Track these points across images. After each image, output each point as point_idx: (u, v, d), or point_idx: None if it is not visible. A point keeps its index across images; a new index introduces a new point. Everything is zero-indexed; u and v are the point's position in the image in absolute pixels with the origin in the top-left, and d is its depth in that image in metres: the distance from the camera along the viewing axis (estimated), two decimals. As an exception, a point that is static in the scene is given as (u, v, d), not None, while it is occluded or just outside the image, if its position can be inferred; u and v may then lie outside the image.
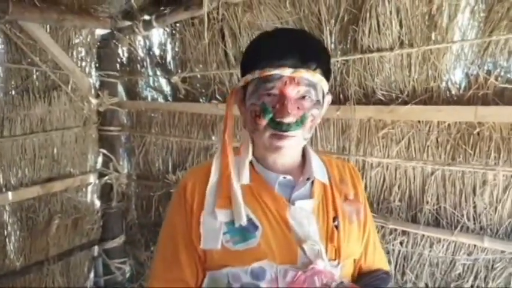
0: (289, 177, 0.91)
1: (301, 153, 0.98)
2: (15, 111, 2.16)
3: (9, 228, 2.24)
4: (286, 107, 0.81)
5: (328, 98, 0.93)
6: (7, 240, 2.23)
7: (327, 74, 0.88)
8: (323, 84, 0.88)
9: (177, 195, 0.93)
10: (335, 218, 0.91)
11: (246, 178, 0.89)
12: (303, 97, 0.84)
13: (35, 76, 2.22)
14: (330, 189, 0.95)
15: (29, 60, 2.13)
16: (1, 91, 2.12)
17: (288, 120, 0.81)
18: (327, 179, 0.96)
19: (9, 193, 2.17)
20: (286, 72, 0.81)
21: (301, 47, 0.84)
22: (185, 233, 0.88)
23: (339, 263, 0.88)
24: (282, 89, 0.82)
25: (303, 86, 0.82)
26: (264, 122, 0.84)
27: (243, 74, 0.90)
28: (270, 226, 0.86)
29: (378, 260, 1.03)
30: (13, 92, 2.15)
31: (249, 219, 0.85)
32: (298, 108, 0.83)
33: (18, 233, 2.27)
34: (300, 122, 0.83)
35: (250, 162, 0.93)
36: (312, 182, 0.94)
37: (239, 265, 0.83)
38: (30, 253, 2.33)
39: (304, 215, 0.88)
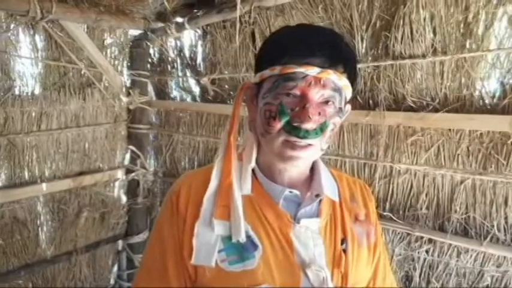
0: (296, 191, 0.81)
1: (310, 165, 0.88)
2: (53, 106, 2.24)
3: (42, 218, 2.31)
4: (307, 110, 0.71)
5: (348, 108, 0.84)
6: (40, 229, 2.31)
7: (352, 80, 0.79)
8: (347, 92, 0.79)
9: (168, 202, 0.82)
10: (343, 241, 0.81)
11: (247, 188, 0.80)
12: (326, 102, 0.74)
13: (71, 73, 2.30)
14: (340, 208, 0.85)
15: (67, 57, 2.21)
16: (40, 87, 2.20)
17: (307, 126, 0.72)
18: (337, 196, 0.86)
19: (44, 184, 2.24)
20: (312, 71, 0.71)
21: (331, 46, 0.75)
22: (176, 247, 0.78)
23: None
24: (304, 90, 0.72)
25: (328, 89, 0.73)
26: (278, 125, 0.73)
27: (259, 70, 0.80)
28: (271, 246, 0.76)
29: None
30: (51, 88, 2.23)
31: (248, 237, 0.76)
32: (319, 114, 0.73)
33: (50, 223, 2.35)
34: (320, 130, 0.74)
35: (253, 170, 0.83)
36: (320, 199, 0.84)
37: None
38: (60, 243, 2.40)
39: (309, 236, 0.79)
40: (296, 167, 0.82)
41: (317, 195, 0.82)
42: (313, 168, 0.88)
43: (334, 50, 0.74)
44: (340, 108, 0.77)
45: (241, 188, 0.79)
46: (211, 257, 0.74)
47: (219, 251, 0.75)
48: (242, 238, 0.74)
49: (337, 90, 0.75)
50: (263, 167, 0.84)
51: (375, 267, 0.89)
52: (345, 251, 0.80)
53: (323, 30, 0.83)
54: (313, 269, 0.75)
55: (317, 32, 0.79)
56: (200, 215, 0.77)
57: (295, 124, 0.72)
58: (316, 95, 0.73)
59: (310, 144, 0.74)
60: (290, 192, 0.80)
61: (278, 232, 0.77)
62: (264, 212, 0.79)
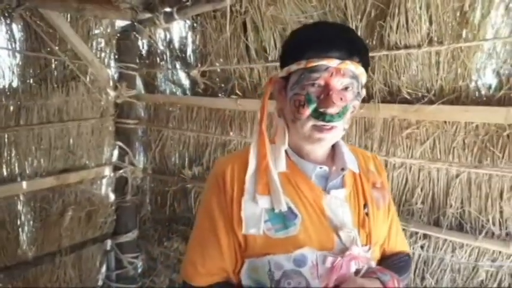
0: (324, 167, 0.96)
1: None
2: (33, 100, 2.14)
3: (22, 218, 2.22)
4: (331, 97, 0.84)
5: (364, 92, 0.96)
6: (20, 230, 2.21)
7: (366, 67, 0.92)
8: (363, 78, 0.91)
9: (214, 183, 0.94)
10: (365, 205, 0.96)
11: (282, 166, 0.92)
12: (346, 88, 0.87)
13: (53, 65, 2.21)
14: (359, 178, 0.99)
15: (48, 49, 2.12)
16: (18, 79, 2.10)
17: (331, 110, 0.84)
18: (357, 168, 1.00)
19: (24, 183, 2.15)
20: (333, 63, 0.84)
21: (347, 40, 0.88)
22: (225, 219, 0.91)
23: (369, 248, 0.94)
24: (327, 79, 0.85)
25: (347, 77, 0.85)
26: (307, 112, 0.86)
27: (284, 65, 0.93)
28: (308, 214, 0.90)
29: (400, 243, 1.09)
30: (31, 81, 2.13)
31: (289, 208, 0.89)
32: (341, 99, 0.85)
33: (31, 223, 2.26)
34: (342, 113, 0.86)
35: (285, 151, 0.96)
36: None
37: (281, 252, 0.87)
38: (43, 244, 2.31)
39: (338, 204, 0.93)
40: (322, 148, 0.96)
41: (342, 169, 0.95)
42: (333, 146, 1.00)
43: (350, 44, 0.87)
44: (358, 93, 0.90)
45: (277, 166, 0.92)
46: (259, 226, 0.88)
47: (265, 222, 0.88)
48: (283, 207, 0.88)
49: (355, 77, 0.87)
50: (294, 149, 0.97)
51: (389, 226, 1.05)
52: (367, 214, 0.95)
53: (339, 27, 1.04)
54: (344, 230, 0.90)
55: (334, 29, 0.94)
56: (244, 192, 0.90)
57: (321, 110, 0.85)
58: (337, 83, 0.85)
59: (334, 126, 0.87)
60: (320, 168, 0.95)
61: (312, 202, 0.91)
62: (299, 186, 0.92)
